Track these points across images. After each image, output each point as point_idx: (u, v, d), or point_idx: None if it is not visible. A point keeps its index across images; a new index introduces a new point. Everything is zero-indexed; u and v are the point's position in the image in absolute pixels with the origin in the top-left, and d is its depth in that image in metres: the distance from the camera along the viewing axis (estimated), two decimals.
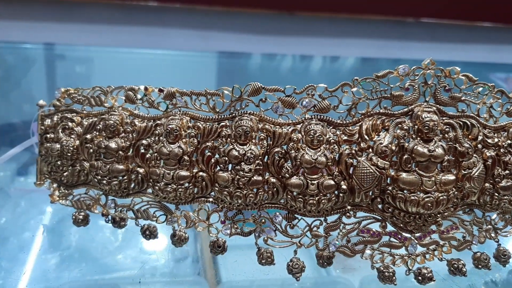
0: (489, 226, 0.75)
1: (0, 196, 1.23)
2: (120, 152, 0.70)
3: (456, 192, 0.68)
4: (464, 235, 0.73)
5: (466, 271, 0.72)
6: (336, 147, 0.66)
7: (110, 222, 0.76)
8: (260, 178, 0.66)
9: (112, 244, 1.03)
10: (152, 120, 0.70)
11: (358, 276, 0.95)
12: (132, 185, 0.72)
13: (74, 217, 0.76)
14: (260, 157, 0.66)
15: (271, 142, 0.67)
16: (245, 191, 0.66)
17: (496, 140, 0.70)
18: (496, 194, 0.71)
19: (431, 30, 2.20)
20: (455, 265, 0.72)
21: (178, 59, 2.06)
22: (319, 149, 0.65)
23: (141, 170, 0.70)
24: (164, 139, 0.68)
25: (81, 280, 0.92)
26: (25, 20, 1.89)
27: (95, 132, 0.73)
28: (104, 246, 1.01)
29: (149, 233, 0.74)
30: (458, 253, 0.74)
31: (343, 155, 0.66)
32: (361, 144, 0.66)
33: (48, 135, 0.78)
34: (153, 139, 0.69)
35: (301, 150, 0.65)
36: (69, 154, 0.75)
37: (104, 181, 0.71)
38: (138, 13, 1.93)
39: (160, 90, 0.70)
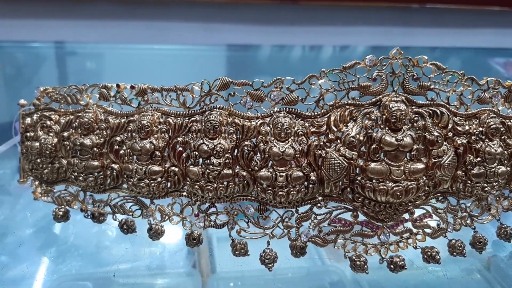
0: (465, 214, 0.75)
1: (1, 193, 1.25)
2: (95, 148, 0.72)
3: (426, 181, 0.68)
4: (439, 223, 0.74)
5: (440, 259, 0.73)
6: (304, 139, 0.67)
7: (89, 217, 0.77)
8: (230, 171, 0.67)
9: (108, 238, 1.05)
10: (125, 117, 0.72)
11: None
12: (108, 181, 0.73)
13: (54, 213, 0.78)
14: (229, 151, 0.67)
15: (240, 136, 0.67)
16: (215, 185, 0.67)
17: (467, 127, 0.70)
18: (469, 181, 0.71)
19: (435, 16, 2.17)
20: (428, 253, 0.73)
21: (187, 53, 2.07)
22: (287, 141, 0.66)
23: (115, 166, 0.72)
24: (136, 135, 0.69)
25: (77, 274, 0.94)
26: (35, 19, 1.91)
27: (71, 129, 0.74)
28: (99, 240, 1.03)
29: (127, 227, 0.75)
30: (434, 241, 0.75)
31: (311, 146, 0.67)
32: (329, 136, 0.67)
33: (28, 134, 0.80)
34: (126, 135, 0.71)
35: (269, 142, 0.66)
36: (47, 152, 0.76)
37: (81, 178, 0.73)
38: (146, 8, 1.93)
39: (132, 87, 0.71)
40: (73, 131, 0.74)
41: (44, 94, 0.80)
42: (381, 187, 0.66)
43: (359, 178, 0.67)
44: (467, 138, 0.70)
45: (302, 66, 2.11)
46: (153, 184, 0.69)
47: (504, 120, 0.73)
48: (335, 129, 0.67)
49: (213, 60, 2.08)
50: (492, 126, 0.70)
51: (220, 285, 0.98)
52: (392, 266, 0.71)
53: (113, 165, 0.72)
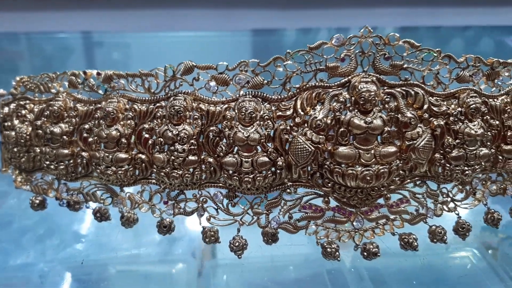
0: (446, 199, 0.72)
1: (7, 183, 1.28)
2: (65, 137, 0.71)
3: (400, 164, 0.65)
4: (417, 208, 0.71)
5: (418, 246, 0.70)
6: (270, 123, 0.64)
7: (64, 205, 0.77)
8: (195, 157, 0.66)
9: (109, 226, 1.06)
10: (93, 104, 0.71)
11: (352, 252, 0.95)
12: (79, 169, 0.73)
13: (31, 201, 0.79)
14: (194, 137, 0.65)
15: (205, 121, 0.66)
16: (181, 171, 0.66)
17: (444, 108, 0.66)
18: (448, 164, 0.68)
19: None
20: (405, 239, 0.70)
21: (212, 40, 2.06)
22: (252, 126, 0.64)
23: (85, 154, 0.71)
24: (103, 122, 0.68)
25: (76, 261, 0.96)
26: (62, 10, 1.93)
27: (43, 118, 0.74)
28: (99, 227, 1.05)
29: (100, 215, 0.75)
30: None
31: (277, 131, 0.65)
32: (296, 119, 0.64)
33: (5, 123, 0.80)
34: (94, 122, 0.70)
35: (234, 128, 0.64)
36: (22, 141, 0.77)
37: (52, 166, 0.73)
38: None
39: (98, 74, 0.70)
40: (45, 119, 0.74)
41: (20, 83, 0.80)
42: (350, 171, 0.63)
43: (327, 162, 0.64)
44: (444, 119, 0.67)
45: (330, 49, 2.06)
46: (120, 172, 0.68)
47: (486, 100, 0.69)
48: (302, 113, 0.64)
49: (238, 46, 2.05)
50: (472, 106, 0.66)
51: (217, 272, 0.98)
52: (365, 253, 0.68)
53: (82, 153, 0.71)
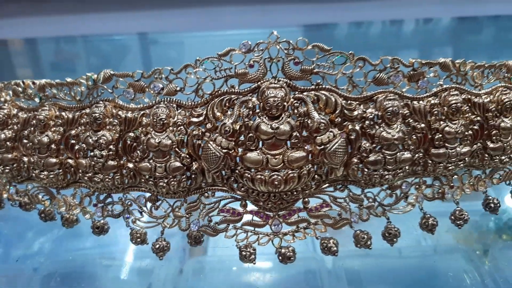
0: (372, 203, 0.71)
1: None
2: (8, 142, 0.76)
3: (312, 169, 0.65)
4: (340, 212, 0.70)
5: (337, 251, 0.70)
6: (183, 129, 0.66)
7: (17, 206, 0.83)
8: (114, 163, 0.68)
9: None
10: (31, 112, 0.75)
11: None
12: (23, 173, 0.77)
13: None
14: (113, 143, 0.68)
15: (123, 127, 0.68)
16: (102, 176, 0.69)
17: (357, 112, 0.65)
18: (365, 169, 0.66)
19: None
20: (324, 244, 0.70)
21: (265, 37, 2.07)
22: (164, 132, 0.66)
23: (25, 159, 0.76)
24: (37, 129, 0.72)
25: (71, 254, 1.04)
26: (117, 12, 1.99)
27: None
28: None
29: (45, 216, 0.80)
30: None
31: (190, 136, 0.66)
32: (208, 125, 0.66)
33: None
34: (30, 129, 0.74)
35: (148, 134, 0.66)
36: None
37: (0, 170, 0.78)
38: None
39: (33, 83, 0.74)
40: None
41: None
42: (259, 176, 0.64)
43: (238, 167, 0.65)
44: (360, 123, 0.65)
45: (383, 42, 2.02)
46: (51, 175, 0.72)
47: (408, 102, 0.67)
48: (213, 119, 0.65)
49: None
50: (389, 109, 0.65)
51: (196, 268, 1.01)
52: (280, 257, 0.69)
53: (23, 158, 0.76)
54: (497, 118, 0.71)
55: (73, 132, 0.71)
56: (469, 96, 0.69)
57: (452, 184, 0.73)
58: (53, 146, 0.72)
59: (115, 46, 2.09)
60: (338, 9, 1.97)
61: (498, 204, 0.76)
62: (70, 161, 0.72)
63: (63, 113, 0.72)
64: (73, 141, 0.71)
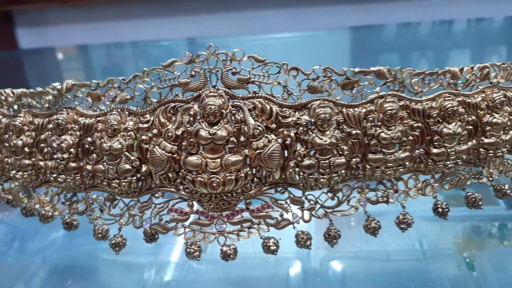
0: (314, 205, 0.74)
1: None
2: None
3: (249, 172, 0.70)
4: (281, 213, 0.74)
5: (276, 250, 0.73)
6: (133, 134, 0.72)
7: (4, 202, 0.92)
8: (74, 164, 0.75)
9: None
10: (11, 118, 0.84)
11: (321, 254, 0.99)
12: (6, 173, 0.86)
13: None
14: (74, 146, 0.75)
15: (82, 133, 0.75)
16: (64, 176, 0.76)
17: (291, 119, 0.69)
18: (301, 173, 0.70)
19: None
20: (264, 243, 0.74)
21: (312, 39, 2.09)
22: (115, 137, 0.72)
23: (7, 160, 0.84)
24: (14, 134, 0.81)
25: (76, 249, 1.11)
26: (166, 18, 2.12)
27: None
28: None
29: (25, 212, 0.88)
30: None
31: (139, 141, 0.72)
32: (154, 131, 0.71)
33: None
34: (9, 134, 0.83)
35: (102, 138, 0.73)
36: None
37: None
38: None
39: (12, 92, 0.82)
40: None
41: None
42: (199, 178, 0.69)
43: (182, 170, 0.71)
44: (295, 129, 0.69)
45: (433, 43, 2.02)
46: (26, 176, 0.80)
47: (342, 109, 0.70)
48: (159, 125, 0.71)
49: (337, 44, 2.07)
50: (321, 116, 0.68)
51: (178, 267, 1.07)
52: (221, 255, 0.73)
53: (5, 159, 0.85)
54: (440, 124, 0.72)
55: (42, 136, 0.79)
56: (408, 103, 0.71)
57: (396, 188, 0.75)
58: (26, 149, 0.80)
59: (164, 51, 2.17)
60: (385, 9, 1.97)
61: (446, 209, 0.77)
62: (41, 163, 0.79)
63: (35, 120, 0.80)
64: (42, 145, 0.79)
